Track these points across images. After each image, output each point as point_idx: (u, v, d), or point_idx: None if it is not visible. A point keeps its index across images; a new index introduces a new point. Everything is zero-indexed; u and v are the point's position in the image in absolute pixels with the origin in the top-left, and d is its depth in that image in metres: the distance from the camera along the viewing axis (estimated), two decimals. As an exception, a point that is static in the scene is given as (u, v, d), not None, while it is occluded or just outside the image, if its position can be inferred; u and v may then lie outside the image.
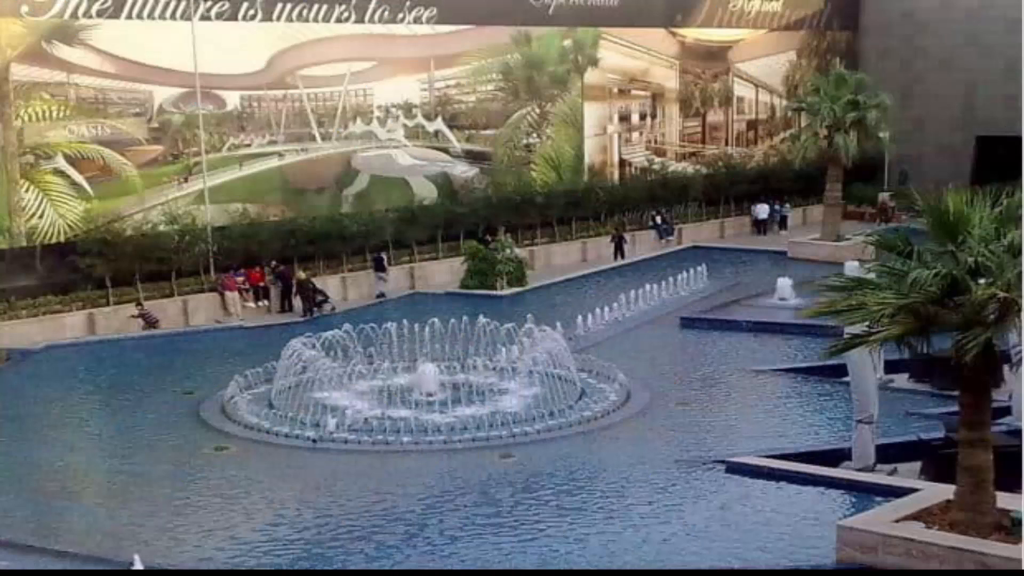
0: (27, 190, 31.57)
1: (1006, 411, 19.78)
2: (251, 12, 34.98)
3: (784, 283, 33.29)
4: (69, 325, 31.12)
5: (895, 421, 21.04)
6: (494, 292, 35.18)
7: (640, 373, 25.66)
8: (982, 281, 14.22)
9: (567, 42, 43.58)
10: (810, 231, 43.88)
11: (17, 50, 31.12)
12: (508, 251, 36.64)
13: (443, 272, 38.03)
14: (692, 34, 47.72)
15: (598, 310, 31.03)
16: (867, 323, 15.04)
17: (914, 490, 16.73)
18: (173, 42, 33.37)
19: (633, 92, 46.41)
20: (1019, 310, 14.02)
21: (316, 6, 36.34)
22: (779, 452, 19.89)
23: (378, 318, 28.05)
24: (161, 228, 33.42)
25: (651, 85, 46.95)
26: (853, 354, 17.31)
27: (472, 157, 41.21)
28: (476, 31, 40.57)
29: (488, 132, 41.62)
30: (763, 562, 15.77)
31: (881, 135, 42.24)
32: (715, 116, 49.72)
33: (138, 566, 14.97)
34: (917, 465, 18.87)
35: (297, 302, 33.75)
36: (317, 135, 37.35)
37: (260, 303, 34.39)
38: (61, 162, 32.10)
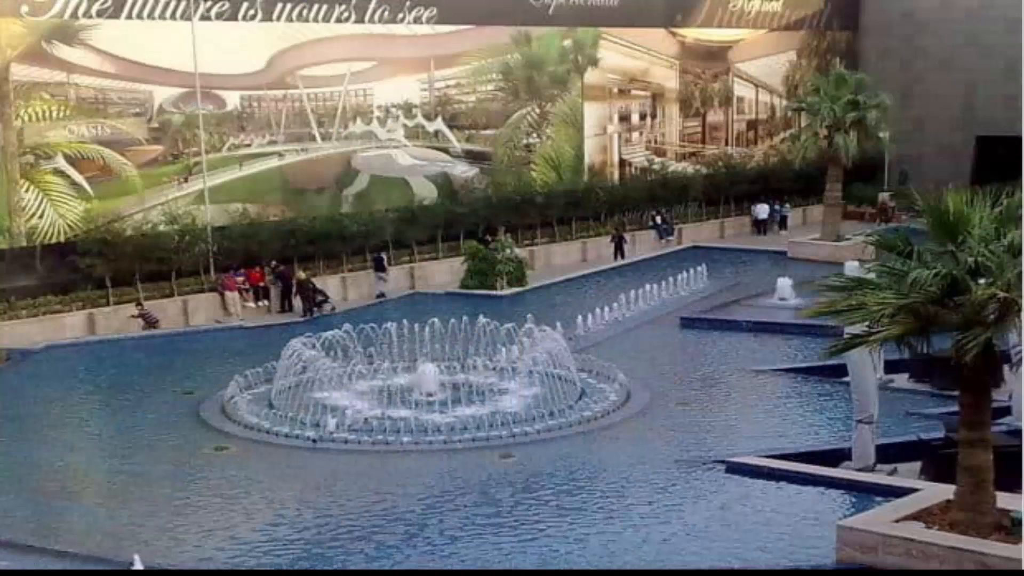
0: (27, 190, 31.57)
1: (1006, 411, 19.78)
2: (251, 12, 34.99)
3: (784, 283, 33.30)
4: (69, 325, 31.12)
5: (895, 421, 21.04)
6: (494, 292, 35.18)
7: (640, 373, 25.66)
8: (982, 281, 14.22)
9: (567, 42, 43.58)
10: (810, 231, 43.88)
11: (17, 50, 31.12)
12: (508, 251, 36.64)
13: (443, 272, 38.03)
14: (692, 34, 47.71)
15: (598, 310, 31.02)
16: (867, 323, 15.04)
17: (914, 490, 16.73)
18: (173, 42, 33.37)
19: (633, 92, 46.41)
20: (1019, 310, 14.02)
21: (316, 6, 36.34)
22: (779, 452, 19.89)
23: (378, 318, 28.05)
24: (161, 228, 33.42)
25: (651, 85, 46.96)
26: (853, 354, 17.32)
27: (472, 157, 41.21)
28: (476, 31, 40.57)
29: (488, 132, 41.62)
30: (763, 562, 15.77)
31: (881, 135, 42.25)
32: (715, 116, 49.72)
33: (138, 566, 14.97)
34: (917, 465, 18.87)
35: (297, 302, 33.75)
36: (317, 135, 37.35)
37: (260, 303, 34.39)
38: (61, 162, 32.10)
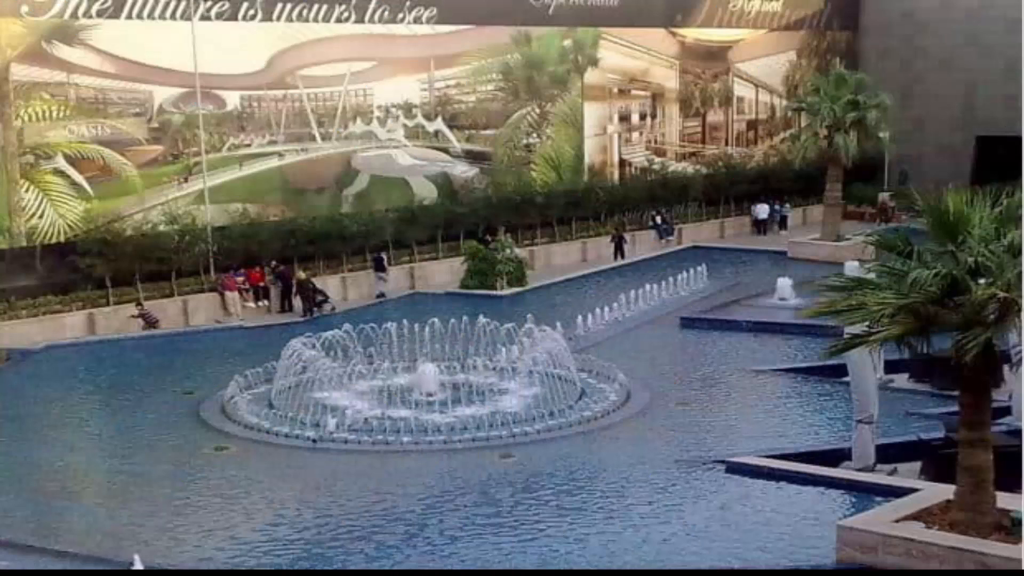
0: (27, 190, 31.57)
1: (1006, 411, 19.78)
2: (251, 12, 34.98)
3: (784, 283, 33.30)
4: (69, 325, 31.12)
5: (895, 421, 21.04)
6: (494, 292, 35.17)
7: (640, 373, 25.66)
8: (982, 281, 14.22)
9: (567, 42, 43.57)
10: (810, 231, 43.87)
11: (17, 50, 31.12)
12: (508, 251, 36.64)
13: (443, 272, 38.03)
14: (692, 34, 47.71)
15: (598, 310, 31.02)
16: (867, 323, 15.04)
17: (914, 490, 16.73)
18: (173, 42, 33.37)
19: (633, 92, 46.41)
20: (1019, 310, 14.02)
21: (316, 6, 36.34)
22: (779, 452, 19.89)
23: (378, 318, 28.05)
24: (161, 228, 33.42)
25: (651, 85, 46.95)
26: (853, 354, 17.31)
27: (472, 157, 41.21)
28: (476, 31, 40.57)
29: (488, 132, 41.61)
30: (763, 562, 15.77)
31: (881, 135, 42.24)
32: (715, 116, 49.72)
33: (138, 566, 14.97)
34: (917, 465, 18.87)
35: (297, 302, 33.75)
36: (317, 135, 37.35)
37: (260, 303, 34.39)
38: (61, 162, 32.10)
